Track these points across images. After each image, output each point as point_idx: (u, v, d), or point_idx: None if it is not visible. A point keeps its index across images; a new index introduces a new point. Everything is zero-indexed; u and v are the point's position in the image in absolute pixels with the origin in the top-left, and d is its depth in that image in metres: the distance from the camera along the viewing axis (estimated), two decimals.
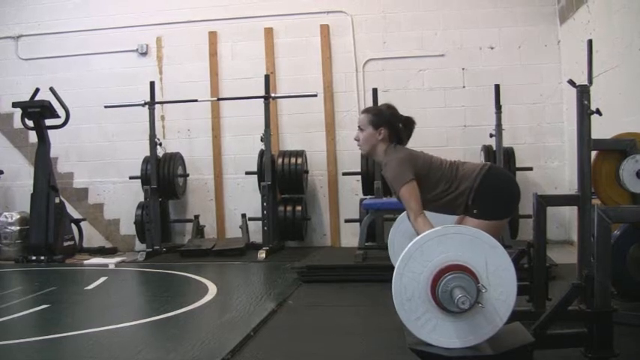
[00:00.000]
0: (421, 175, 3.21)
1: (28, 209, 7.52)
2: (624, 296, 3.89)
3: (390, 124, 3.31)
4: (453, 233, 2.72)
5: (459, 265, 2.64)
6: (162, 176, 7.53)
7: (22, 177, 8.22)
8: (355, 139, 3.46)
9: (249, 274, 6.34)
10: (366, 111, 3.43)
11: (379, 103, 3.38)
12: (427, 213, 3.20)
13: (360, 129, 3.38)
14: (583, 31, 6.17)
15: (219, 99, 7.86)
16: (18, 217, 7.62)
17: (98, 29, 8.17)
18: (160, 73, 8.14)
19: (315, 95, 7.45)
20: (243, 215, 7.57)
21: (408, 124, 3.35)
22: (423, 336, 2.69)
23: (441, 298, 2.63)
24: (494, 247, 2.68)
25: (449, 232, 2.72)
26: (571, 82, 3.70)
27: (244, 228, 7.56)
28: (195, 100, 7.58)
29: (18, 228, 7.55)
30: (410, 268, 2.68)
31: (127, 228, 8.09)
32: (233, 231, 7.88)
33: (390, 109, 3.41)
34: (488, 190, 3.18)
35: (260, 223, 7.20)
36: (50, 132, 7.57)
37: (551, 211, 3.64)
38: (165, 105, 7.96)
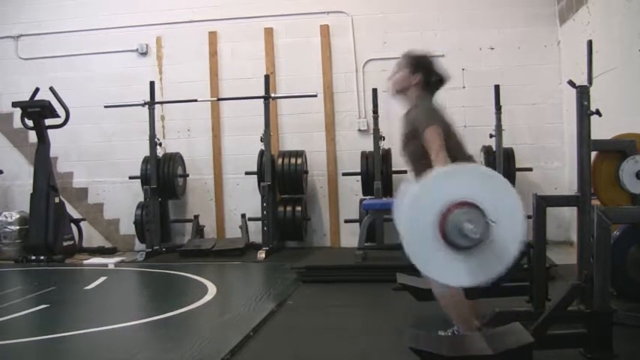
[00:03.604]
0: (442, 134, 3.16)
1: (27, 209, 7.52)
2: (624, 297, 3.89)
3: (427, 71, 3.28)
4: (463, 171, 2.73)
5: (467, 202, 2.61)
6: (162, 176, 7.53)
7: (22, 177, 8.22)
8: (388, 79, 3.41)
9: (249, 275, 6.35)
10: (408, 53, 3.39)
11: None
12: None
13: (397, 69, 3.35)
14: (583, 31, 6.17)
15: (219, 99, 7.86)
16: (18, 216, 7.62)
17: (98, 29, 8.16)
18: (160, 73, 8.13)
19: (315, 95, 7.45)
20: (243, 215, 7.57)
21: (442, 80, 3.32)
22: (433, 274, 2.70)
23: (450, 232, 2.59)
24: (504, 187, 2.69)
25: (459, 170, 2.73)
26: (571, 83, 3.70)
27: (244, 228, 7.56)
28: (195, 100, 7.58)
29: (18, 228, 7.55)
30: (419, 204, 2.66)
31: (127, 228, 8.09)
32: (233, 231, 7.88)
33: (430, 59, 3.40)
34: None
35: (260, 223, 7.20)
36: (50, 132, 7.57)
37: (550, 211, 3.64)
38: (165, 105, 7.96)
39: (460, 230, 2.58)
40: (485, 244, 2.61)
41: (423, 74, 3.26)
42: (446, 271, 2.67)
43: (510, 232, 2.65)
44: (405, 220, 2.71)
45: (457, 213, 2.59)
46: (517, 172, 6.97)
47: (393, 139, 7.22)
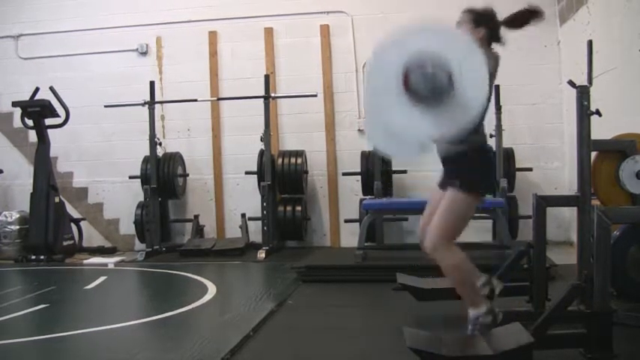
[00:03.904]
0: None
1: (27, 208, 7.52)
2: (624, 297, 3.89)
3: (491, 25, 3.24)
4: (432, 29, 2.80)
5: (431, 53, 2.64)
6: (162, 176, 7.53)
7: (22, 176, 8.21)
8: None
9: (249, 274, 6.35)
10: (470, 9, 3.33)
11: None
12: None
13: (459, 24, 3.29)
14: (583, 31, 6.17)
15: (219, 99, 7.86)
16: (17, 216, 7.61)
17: (98, 29, 8.16)
18: (160, 72, 8.14)
19: (315, 95, 7.45)
20: (243, 215, 7.57)
21: (501, 36, 3.28)
22: (399, 129, 2.71)
23: (414, 79, 2.62)
24: (467, 44, 2.77)
25: (427, 27, 2.80)
26: (571, 83, 3.70)
27: (244, 228, 7.56)
28: (195, 100, 7.58)
29: (17, 227, 7.55)
30: (384, 59, 2.69)
31: (127, 227, 8.09)
32: (233, 231, 7.88)
33: (493, 12, 3.35)
34: (474, 162, 3.13)
35: (260, 223, 7.20)
36: (50, 131, 7.57)
37: (550, 211, 3.64)
38: (165, 105, 7.96)
39: (424, 74, 2.61)
40: (449, 98, 2.63)
41: (486, 28, 3.22)
42: (411, 124, 2.69)
43: (473, 88, 2.68)
44: (368, 78, 2.73)
45: (420, 59, 2.63)
46: (517, 172, 6.97)
47: None
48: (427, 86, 2.63)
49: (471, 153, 3.10)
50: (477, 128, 3.11)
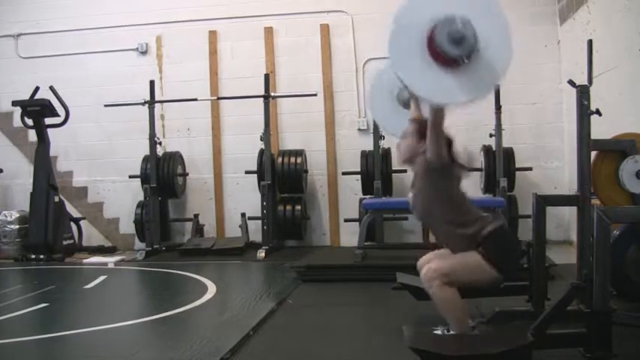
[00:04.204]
0: (448, 182, 3.09)
1: (27, 208, 7.52)
2: (623, 296, 3.89)
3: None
4: None
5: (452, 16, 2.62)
6: (162, 175, 7.53)
7: (22, 176, 8.22)
8: (397, 146, 3.35)
9: (249, 274, 6.35)
10: (414, 120, 3.30)
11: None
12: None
13: (404, 137, 3.25)
14: (583, 31, 6.17)
15: (218, 98, 7.86)
16: (17, 215, 7.62)
17: (98, 28, 8.16)
18: (160, 72, 8.13)
19: (315, 95, 7.46)
20: (243, 214, 7.57)
21: (449, 142, 3.16)
22: (424, 93, 2.67)
23: (439, 40, 2.58)
24: (493, 6, 2.69)
25: None
26: (571, 83, 3.70)
27: (244, 227, 7.56)
28: (195, 99, 7.58)
29: (17, 227, 7.55)
30: (403, 22, 2.66)
31: (127, 227, 8.09)
32: (232, 230, 7.88)
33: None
34: (499, 241, 3.04)
35: (259, 222, 7.20)
36: (50, 131, 7.57)
37: (550, 211, 3.64)
38: (164, 104, 7.96)
39: (450, 35, 2.56)
40: (474, 61, 2.60)
41: None
42: (437, 88, 2.64)
43: (498, 50, 2.64)
44: (390, 40, 2.67)
45: (444, 22, 2.59)
46: (517, 172, 6.97)
47: (393, 139, 7.23)
48: (455, 44, 2.58)
49: (491, 236, 3.02)
50: (480, 221, 3.08)
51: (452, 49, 2.59)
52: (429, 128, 2.88)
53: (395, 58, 2.66)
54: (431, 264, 3.06)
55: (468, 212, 3.10)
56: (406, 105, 3.84)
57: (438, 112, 2.81)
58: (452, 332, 3.07)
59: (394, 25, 2.66)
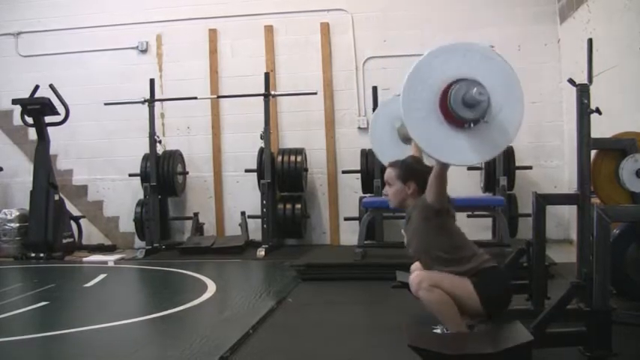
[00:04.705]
0: (445, 223, 3.09)
1: (27, 206, 7.53)
2: (623, 295, 3.89)
3: (418, 177, 3.16)
4: (464, 50, 2.72)
5: (468, 79, 2.65)
6: (162, 174, 7.54)
7: (22, 174, 8.22)
8: (384, 194, 3.36)
9: (249, 272, 6.35)
10: (393, 165, 3.29)
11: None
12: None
13: (388, 184, 3.26)
14: (583, 30, 6.16)
15: (218, 96, 7.86)
16: (17, 214, 7.62)
17: (98, 26, 8.17)
18: (160, 70, 8.13)
19: (315, 93, 7.46)
20: (243, 213, 7.57)
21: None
22: (436, 153, 2.69)
23: (453, 104, 2.60)
24: (504, 68, 2.72)
25: (460, 49, 2.73)
26: (571, 81, 3.70)
27: (244, 226, 7.56)
28: (195, 98, 7.58)
29: (17, 225, 7.55)
30: (417, 82, 2.68)
31: (127, 225, 8.09)
32: (232, 229, 7.88)
33: (417, 162, 3.33)
34: (491, 276, 3.05)
35: (259, 220, 7.21)
36: (50, 129, 7.57)
37: (550, 210, 3.64)
38: (164, 102, 7.96)
39: (465, 99, 2.58)
40: (486, 124, 2.62)
41: (414, 181, 3.17)
42: (448, 148, 2.67)
43: (510, 113, 2.68)
44: (403, 99, 2.67)
45: (461, 85, 2.61)
46: (517, 171, 6.97)
47: None
48: (469, 107, 2.60)
49: (486, 271, 3.04)
50: (474, 258, 3.08)
51: (465, 113, 2.61)
52: (435, 177, 2.90)
53: (407, 115, 2.67)
54: (420, 272, 3.09)
55: (461, 248, 3.10)
56: (405, 140, 3.86)
57: (445, 165, 2.82)
58: (450, 331, 3.08)
59: (408, 83, 2.68)
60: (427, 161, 3.21)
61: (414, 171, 3.20)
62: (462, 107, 2.61)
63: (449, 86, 2.65)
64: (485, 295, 2.98)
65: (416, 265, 3.32)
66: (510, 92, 2.71)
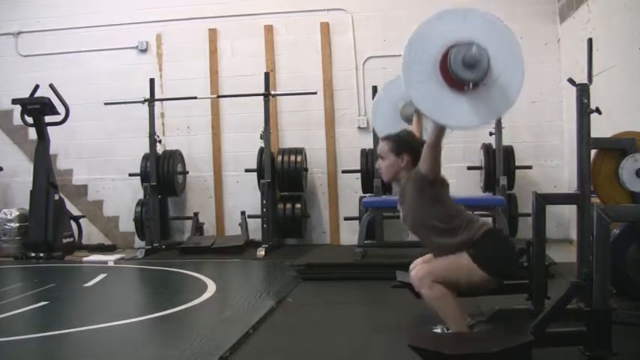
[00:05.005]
0: (440, 193, 3.10)
1: (27, 206, 7.53)
2: (623, 295, 3.89)
3: (411, 149, 3.16)
4: (464, 14, 2.73)
5: (469, 42, 2.66)
6: (162, 173, 7.53)
7: (22, 174, 8.22)
8: (377, 168, 3.35)
9: (249, 272, 6.35)
10: (386, 139, 3.28)
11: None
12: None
13: (381, 157, 3.25)
14: (583, 29, 6.16)
15: (218, 96, 7.86)
16: (17, 213, 7.62)
17: (98, 26, 8.16)
18: (160, 70, 8.13)
19: (315, 93, 7.46)
20: (243, 213, 7.57)
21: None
22: (437, 116, 2.69)
23: (453, 65, 2.61)
24: (505, 32, 2.75)
25: (460, 13, 2.73)
26: (571, 81, 3.70)
27: (243, 225, 7.56)
28: (195, 98, 7.57)
29: (17, 225, 7.55)
30: (417, 45, 2.68)
31: (127, 225, 8.09)
32: (232, 228, 7.88)
33: (410, 134, 3.34)
34: (488, 242, 3.04)
35: (259, 220, 7.21)
36: (50, 129, 7.57)
37: (550, 209, 3.64)
38: (164, 102, 7.96)
39: (464, 60, 2.59)
40: (487, 87, 2.63)
41: (408, 153, 3.16)
42: (450, 111, 2.67)
43: (511, 76, 2.69)
44: (404, 63, 2.67)
45: (460, 48, 2.63)
46: (517, 170, 6.97)
47: None
48: (469, 68, 2.61)
49: (482, 238, 3.02)
50: (469, 226, 3.08)
51: (465, 73, 2.62)
52: (430, 146, 2.90)
53: (408, 78, 2.67)
54: (421, 266, 3.10)
55: (456, 217, 3.10)
56: (408, 120, 3.86)
57: (441, 132, 2.83)
58: (451, 331, 3.08)
59: (408, 46, 2.68)
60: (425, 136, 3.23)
61: (407, 143, 3.21)
62: (462, 68, 2.61)
63: (449, 49, 2.66)
64: (489, 266, 2.98)
65: (417, 262, 3.32)
66: (511, 56, 2.72)
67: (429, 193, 3.05)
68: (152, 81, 7.56)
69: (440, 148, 2.91)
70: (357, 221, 6.82)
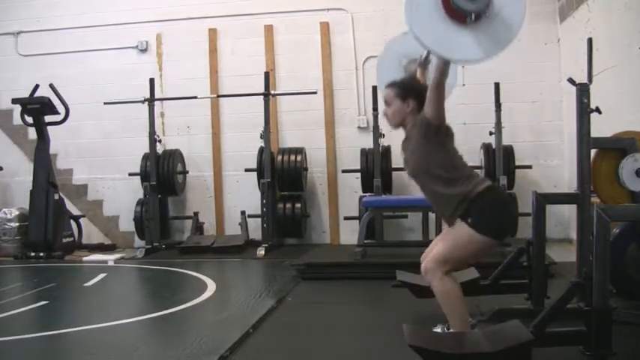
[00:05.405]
0: (445, 141, 3.10)
1: (27, 205, 7.53)
2: (623, 294, 3.89)
3: (416, 93, 3.16)
4: None
5: None
6: (162, 173, 7.53)
7: (22, 173, 8.22)
8: (384, 114, 3.31)
9: (248, 271, 6.36)
10: (391, 85, 3.26)
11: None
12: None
13: (387, 104, 3.24)
14: (583, 29, 6.16)
15: (218, 96, 7.85)
16: (17, 213, 7.61)
17: (98, 26, 8.16)
18: (160, 69, 8.13)
19: (315, 92, 7.45)
20: (243, 212, 7.57)
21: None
22: (441, 50, 2.70)
23: None
24: None
25: None
26: (571, 81, 3.70)
27: (243, 225, 7.56)
28: (195, 97, 7.57)
29: (17, 224, 7.54)
30: None
31: (126, 224, 8.09)
32: (232, 228, 7.88)
33: (414, 80, 3.35)
34: (486, 203, 3.03)
35: (259, 220, 7.20)
36: (50, 128, 7.57)
37: (550, 209, 3.64)
38: (164, 102, 7.96)
39: None
40: (490, 18, 2.65)
41: (413, 98, 3.15)
42: (454, 44, 2.68)
43: (513, 9, 2.71)
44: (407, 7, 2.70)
45: None
46: (517, 170, 6.97)
47: (393, 137, 7.23)
48: (469, 4, 2.62)
49: (479, 197, 3.02)
50: (468, 180, 3.07)
51: (467, 4, 2.62)
52: (434, 86, 2.91)
53: (409, 13, 2.69)
54: (428, 258, 3.08)
55: (458, 168, 3.11)
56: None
57: (445, 70, 2.84)
58: (452, 330, 3.08)
59: None
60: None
61: (412, 88, 3.21)
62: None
63: None
64: (489, 230, 2.99)
65: (426, 252, 3.29)
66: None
67: (434, 140, 3.05)
68: (152, 81, 7.56)
69: (444, 89, 2.92)
70: (357, 221, 6.82)
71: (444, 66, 2.83)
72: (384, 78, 3.66)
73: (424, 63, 3.49)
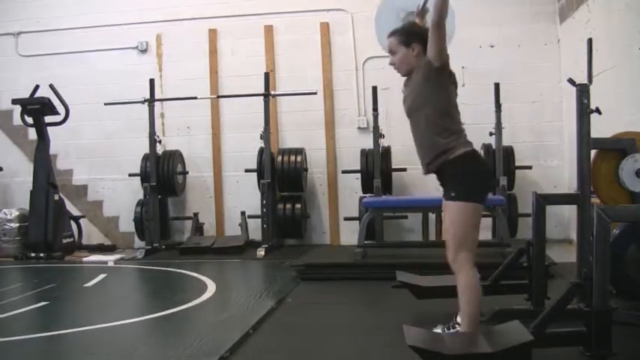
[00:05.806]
0: (446, 84, 3.12)
1: (27, 206, 7.52)
2: (623, 295, 3.89)
3: (419, 37, 3.15)
4: None
5: None
6: (162, 174, 7.53)
7: (22, 174, 8.22)
8: (391, 64, 3.30)
9: (248, 272, 6.35)
10: (394, 33, 3.25)
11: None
12: None
13: (392, 52, 3.23)
14: (583, 29, 6.16)
15: (218, 96, 7.86)
16: (17, 213, 7.61)
17: (98, 26, 8.16)
18: (160, 70, 8.13)
19: (315, 93, 7.45)
20: (243, 213, 7.57)
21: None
22: None
23: None
24: None
25: None
26: (571, 81, 3.70)
27: (243, 226, 7.56)
28: (195, 98, 7.57)
29: (17, 225, 7.54)
30: None
31: (126, 225, 8.09)
32: (232, 229, 7.88)
33: (415, 24, 3.34)
34: (460, 170, 3.08)
35: (259, 220, 7.21)
36: (50, 129, 7.57)
37: (550, 209, 3.64)
38: (164, 102, 7.96)
39: None
40: None
41: (417, 42, 3.15)
42: None
43: None
44: None
45: None
46: (517, 170, 6.98)
47: (393, 137, 7.24)
48: None
49: (455, 162, 3.07)
50: (456, 136, 3.13)
51: None
52: (434, 26, 2.93)
53: None
54: (447, 247, 3.06)
55: (452, 118, 3.15)
56: None
57: (443, 10, 2.87)
58: (457, 328, 3.07)
59: None
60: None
61: (414, 32, 3.21)
62: None
63: None
64: (473, 196, 3.02)
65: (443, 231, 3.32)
66: None
67: (435, 82, 3.07)
68: (152, 81, 7.56)
69: (444, 27, 2.93)
70: (357, 221, 6.82)
71: (443, 4, 2.87)
72: (383, 30, 3.65)
73: (422, 12, 3.46)
